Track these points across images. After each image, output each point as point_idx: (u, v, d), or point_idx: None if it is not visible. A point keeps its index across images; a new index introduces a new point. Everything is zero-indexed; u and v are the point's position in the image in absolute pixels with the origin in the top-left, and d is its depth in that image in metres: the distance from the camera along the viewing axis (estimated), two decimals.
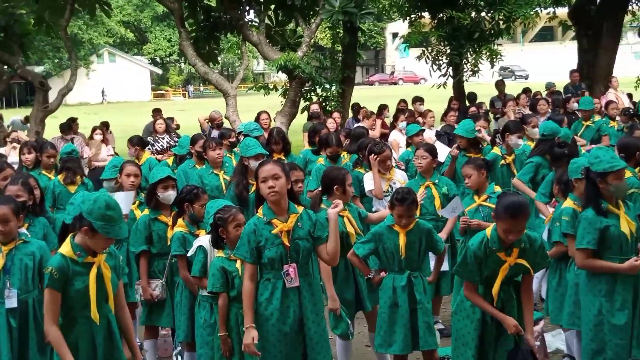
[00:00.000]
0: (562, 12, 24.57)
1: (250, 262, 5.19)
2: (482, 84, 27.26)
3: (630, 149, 7.39)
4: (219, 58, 22.17)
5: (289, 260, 5.19)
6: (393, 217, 6.14)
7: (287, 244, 5.18)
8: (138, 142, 11.15)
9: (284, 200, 5.22)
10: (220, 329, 5.70)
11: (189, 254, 6.29)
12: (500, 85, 18.41)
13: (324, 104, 18.58)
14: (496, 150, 9.75)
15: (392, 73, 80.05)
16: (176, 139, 12.55)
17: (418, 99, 16.21)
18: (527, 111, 14.15)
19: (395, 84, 73.99)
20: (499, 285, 5.19)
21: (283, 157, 9.78)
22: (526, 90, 18.20)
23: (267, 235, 5.17)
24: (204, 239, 6.17)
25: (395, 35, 71.31)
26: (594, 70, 20.42)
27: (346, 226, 6.58)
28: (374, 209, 8.25)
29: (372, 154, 8.30)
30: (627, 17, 25.21)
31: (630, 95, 18.38)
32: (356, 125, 13.84)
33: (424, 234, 6.12)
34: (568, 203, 6.31)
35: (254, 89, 20.51)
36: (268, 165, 5.22)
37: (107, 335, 4.88)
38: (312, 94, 18.61)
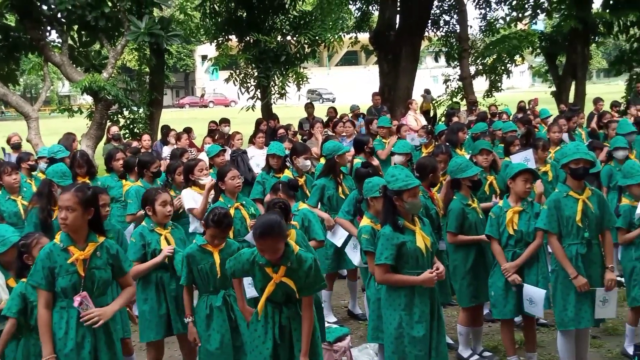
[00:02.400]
0: (365, 37, 25.54)
1: (45, 289, 4.98)
2: (290, 106, 27.75)
3: (425, 169, 7.76)
4: (20, 79, 21.24)
5: (82, 290, 5.02)
6: (204, 237, 6.17)
7: (82, 273, 5.02)
8: None
9: (82, 229, 5.05)
10: None
11: None
12: (309, 107, 18.81)
13: (131, 126, 18.26)
14: (288, 173, 9.91)
15: (203, 95, 79.72)
16: None
17: (224, 121, 16.27)
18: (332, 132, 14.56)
19: (205, 106, 73.74)
20: (265, 300, 5.25)
21: (88, 181, 9.52)
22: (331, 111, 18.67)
23: (62, 263, 4.99)
24: None
25: (204, 57, 71.12)
26: (395, 93, 21.34)
27: (160, 243, 6.59)
28: (191, 229, 8.20)
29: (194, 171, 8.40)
30: (425, 43, 26.62)
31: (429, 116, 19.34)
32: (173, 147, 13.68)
33: (235, 252, 6.14)
34: (365, 221, 6.53)
35: (58, 111, 19.81)
36: (67, 194, 5.01)
37: None
38: (119, 116, 18.23)
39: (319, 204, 8.93)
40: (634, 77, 25.02)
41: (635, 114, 15.51)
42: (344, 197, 8.78)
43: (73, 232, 5.02)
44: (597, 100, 18.28)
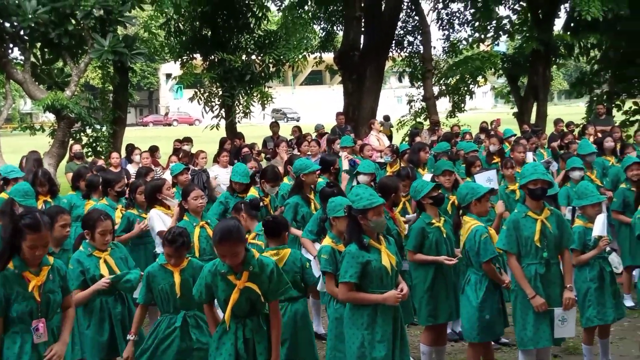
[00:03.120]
0: (329, 57, 25.67)
1: None
2: (255, 125, 27.75)
3: (387, 189, 7.80)
4: None
5: (40, 314, 4.99)
6: (165, 257, 6.15)
7: (38, 298, 4.98)
8: None
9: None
10: None
11: None
12: (274, 126, 18.82)
13: (94, 144, 18.12)
14: (253, 191, 9.92)
15: (167, 114, 79.50)
16: None
17: (186, 139, 16.22)
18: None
19: (169, 125, 73.50)
20: (230, 309, 5.23)
21: (49, 199, 9.46)
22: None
23: (18, 289, 4.93)
24: None
25: (169, 76, 70.94)
26: (359, 112, 21.44)
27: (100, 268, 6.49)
28: (158, 250, 8.17)
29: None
30: (389, 63, 26.81)
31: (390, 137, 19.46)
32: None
33: (197, 272, 6.13)
34: (326, 241, 6.54)
35: (20, 129, 19.60)
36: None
37: None
38: (82, 134, 18.10)
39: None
40: (595, 98, 25.41)
41: (594, 135, 15.75)
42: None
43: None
44: (557, 122, 18.63)
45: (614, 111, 24.46)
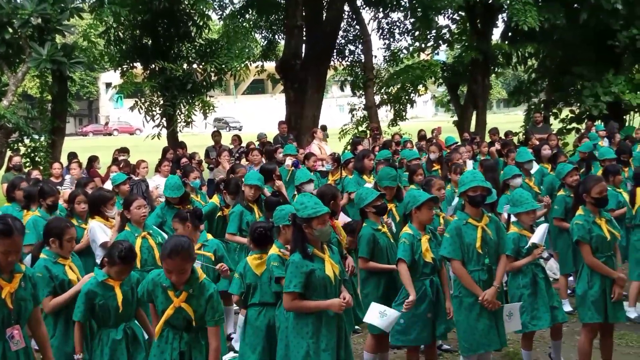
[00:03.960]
0: (271, 65, 25.66)
1: None
2: (197, 134, 27.58)
3: (325, 197, 7.80)
4: None
5: (13, 322, 4.91)
6: (105, 272, 6.06)
7: (11, 305, 4.89)
8: None
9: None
10: None
11: None
12: (216, 136, 18.72)
13: (32, 154, 17.81)
14: (215, 200, 9.90)
15: (107, 124, 78.56)
16: None
17: (123, 150, 16.05)
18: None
19: (110, 134, 72.69)
20: (164, 323, 5.22)
21: None
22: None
23: None
24: None
25: (108, 85, 70.17)
26: (301, 121, 21.47)
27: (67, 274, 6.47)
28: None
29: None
30: (331, 72, 26.92)
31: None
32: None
33: (135, 284, 6.08)
34: (274, 249, 6.54)
35: None
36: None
37: None
38: (20, 144, 17.77)
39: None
40: (532, 107, 25.89)
41: (534, 143, 16.04)
42: None
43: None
44: (493, 131, 18.93)
45: (551, 119, 24.95)
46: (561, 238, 10.01)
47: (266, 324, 6.58)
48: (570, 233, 7.42)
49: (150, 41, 20.21)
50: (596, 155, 12.73)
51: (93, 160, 15.29)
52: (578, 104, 23.91)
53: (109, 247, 6.27)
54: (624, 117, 24.10)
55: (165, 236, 8.42)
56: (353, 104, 25.97)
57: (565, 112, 25.46)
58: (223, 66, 19.52)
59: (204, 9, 19.82)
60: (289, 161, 13.23)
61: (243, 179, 9.60)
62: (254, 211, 9.13)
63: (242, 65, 19.93)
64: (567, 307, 9.62)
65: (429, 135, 19.65)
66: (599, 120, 22.28)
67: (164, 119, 19.97)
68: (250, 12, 25.10)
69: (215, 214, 9.90)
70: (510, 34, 23.30)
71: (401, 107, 24.86)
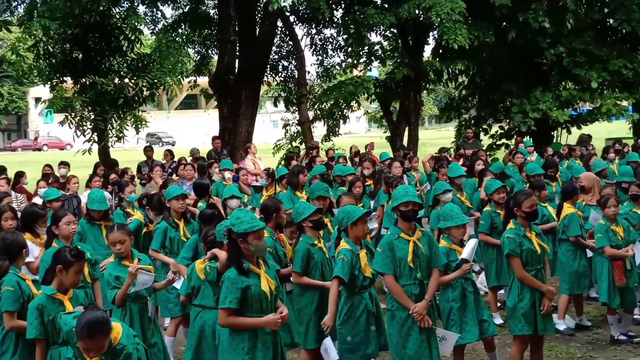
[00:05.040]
0: (204, 81, 25.54)
1: None
2: (129, 149, 27.25)
3: (269, 211, 7.84)
4: None
5: None
6: (53, 286, 6.00)
7: None
8: None
9: None
10: None
11: None
12: (148, 151, 18.54)
13: None
14: (139, 216, 9.78)
15: (36, 138, 77.10)
16: None
17: (62, 163, 15.76)
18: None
19: (39, 149, 71.32)
20: None
21: None
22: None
23: None
24: None
25: (38, 99, 68.87)
26: (235, 137, 21.42)
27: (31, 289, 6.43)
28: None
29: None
30: (264, 87, 26.93)
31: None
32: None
33: (81, 298, 6.09)
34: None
35: None
36: None
37: None
38: None
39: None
40: (463, 123, 26.30)
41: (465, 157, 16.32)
42: (185, 240, 8.76)
43: None
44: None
45: (482, 135, 25.38)
46: (486, 253, 10.19)
47: (200, 326, 6.70)
48: (502, 246, 7.56)
49: (81, 55, 19.92)
50: (508, 174, 13.18)
51: (20, 175, 14.95)
52: (507, 120, 24.36)
53: (55, 257, 6.10)
54: (552, 133, 24.67)
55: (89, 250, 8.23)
56: (287, 119, 26.00)
57: (495, 128, 25.93)
58: (155, 81, 19.34)
59: (136, 23, 19.63)
60: (228, 174, 13.17)
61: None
62: (179, 228, 9.04)
63: (175, 80, 19.80)
64: (498, 320, 9.78)
65: (362, 151, 19.78)
66: (528, 136, 22.80)
67: (95, 133, 19.67)
68: (183, 27, 24.97)
69: (141, 231, 9.77)
70: (441, 51, 23.64)
71: (334, 122, 24.98)
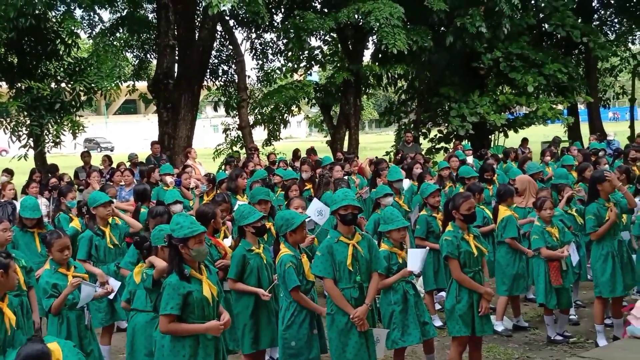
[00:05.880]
0: (143, 85, 25.29)
1: None
2: (66, 155, 26.81)
3: (205, 217, 7.79)
4: None
5: None
6: None
7: None
8: None
9: None
10: None
11: None
12: (86, 156, 18.29)
13: None
14: (77, 223, 9.65)
15: None
16: None
17: (6, 171, 15.47)
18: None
19: None
20: None
21: None
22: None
23: None
24: None
25: None
26: (175, 141, 21.26)
27: None
28: None
29: None
30: (204, 92, 26.79)
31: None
32: None
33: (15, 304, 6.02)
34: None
35: None
36: None
37: None
38: None
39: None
40: (403, 127, 26.57)
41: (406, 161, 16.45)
42: (112, 247, 8.69)
43: None
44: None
45: (421, 139, 25.66)
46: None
47: (132, 328, 6.88)
48: (440, 249, 7.66)
49: (16, 59, 19.57)
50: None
51: None
52: (446, 124, 24.70)
53: None
54: (489, 136, 25.09)
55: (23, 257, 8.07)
56: (227, 124, 25.90)
57: (434, 132, 26.26)
58: (93, 85, 19.05)
59: (73, 27, 19.32)
60: (170, 179, 13.06)
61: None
62: (105, 235, 8.90)
63: (113, 84, 19.54)
64: (438, 322, 9.89)
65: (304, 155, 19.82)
66: (466, 140, 23.13)
67: (31, 139, 19.32)
68: (121, 31, 24.69)
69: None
70: (380, 55, 23.83)
71: (275, 127, 24.98)
